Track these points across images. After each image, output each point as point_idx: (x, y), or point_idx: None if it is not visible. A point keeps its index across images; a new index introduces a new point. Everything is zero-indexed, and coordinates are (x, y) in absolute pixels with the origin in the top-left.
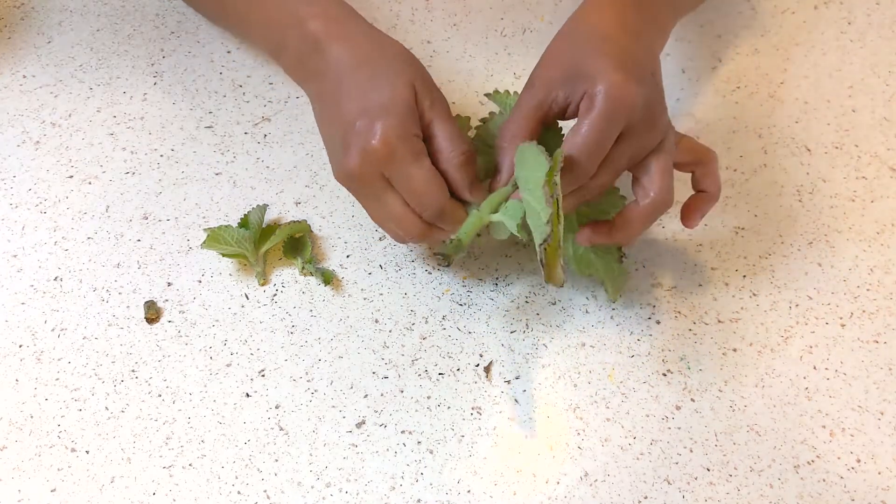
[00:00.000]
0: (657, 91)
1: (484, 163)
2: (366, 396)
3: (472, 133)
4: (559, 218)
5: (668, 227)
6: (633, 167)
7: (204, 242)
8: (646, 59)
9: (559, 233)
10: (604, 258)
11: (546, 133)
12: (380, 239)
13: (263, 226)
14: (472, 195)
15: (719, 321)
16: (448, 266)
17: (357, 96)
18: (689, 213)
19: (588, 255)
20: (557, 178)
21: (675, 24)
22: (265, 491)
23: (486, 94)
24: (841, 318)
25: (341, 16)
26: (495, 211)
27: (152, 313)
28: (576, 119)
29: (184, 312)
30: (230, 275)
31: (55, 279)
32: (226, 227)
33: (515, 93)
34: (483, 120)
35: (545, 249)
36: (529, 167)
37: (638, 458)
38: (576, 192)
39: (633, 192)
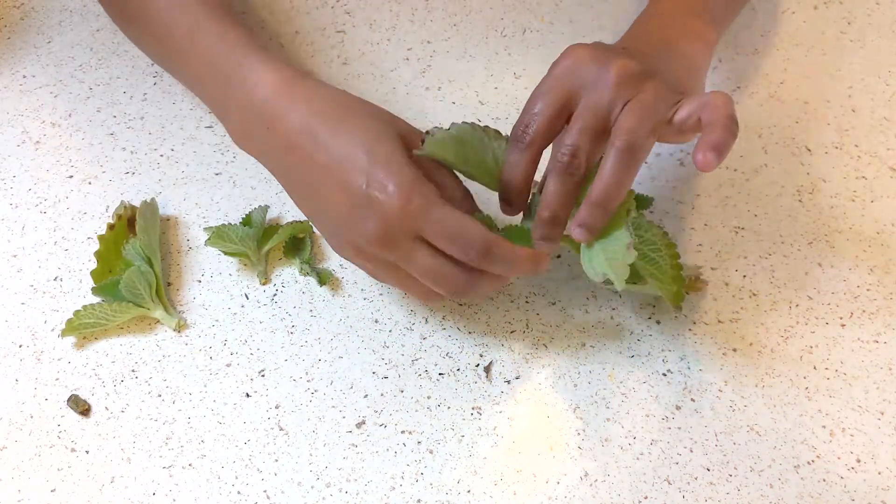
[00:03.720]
0: (613, 52)
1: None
2: (366, 396)
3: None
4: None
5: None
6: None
7: (208, 240)
8: (631, 49)
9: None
10: (652, 264)
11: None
12: None
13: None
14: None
15: (719, 321)
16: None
17: (346, 163)
18: (696, 149)
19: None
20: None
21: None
22: (265, 491)
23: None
24: (841, 318)
25: (291, 77)
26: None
27: None
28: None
29: (184, 312)
30: (230, 275)
31: (55, 279)
32: (230, 225)
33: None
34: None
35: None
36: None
37: (638, 458)
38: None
39: None
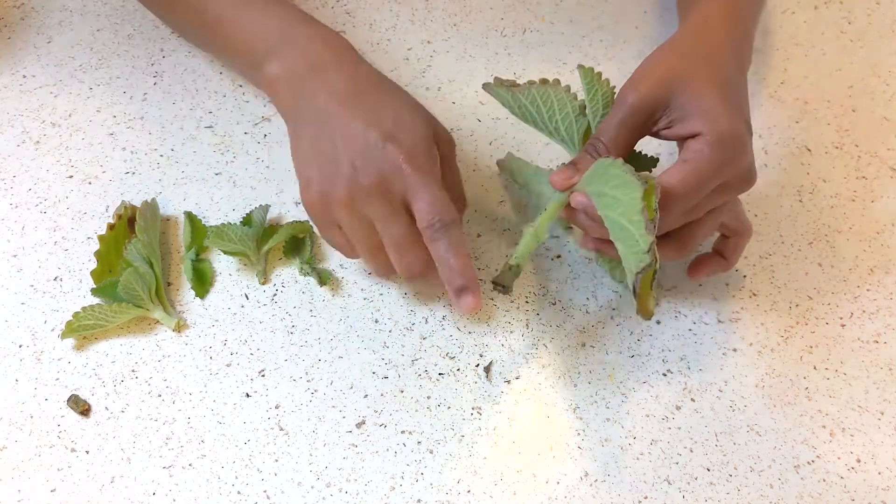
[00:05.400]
0: (751, 143)
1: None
2: (366, 396)
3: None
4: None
5: None
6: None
7: (208, 239)
8: (746, 96)
9: (657, 262)
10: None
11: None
12: None
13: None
14: None
15: (719, 321)
16: (507, 294)
17: (382, 111)
18: (699, 269)
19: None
20: (657, 205)
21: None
22: (265, 491)
23: (579, 67)
24: (841, 318)
25: (344, 47)
26: (548, 222)
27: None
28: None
29: (184, 312)
30: (230, 275)
31: (55, 279)
32: (230, 224)
33: (607, 80)
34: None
35: (640, 279)
36: (615, 185)
37: (638, 458)
38: (670, 245)
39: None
